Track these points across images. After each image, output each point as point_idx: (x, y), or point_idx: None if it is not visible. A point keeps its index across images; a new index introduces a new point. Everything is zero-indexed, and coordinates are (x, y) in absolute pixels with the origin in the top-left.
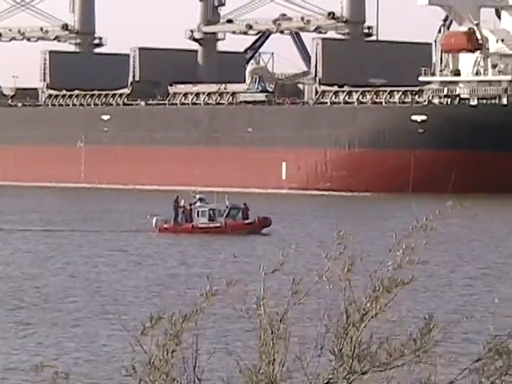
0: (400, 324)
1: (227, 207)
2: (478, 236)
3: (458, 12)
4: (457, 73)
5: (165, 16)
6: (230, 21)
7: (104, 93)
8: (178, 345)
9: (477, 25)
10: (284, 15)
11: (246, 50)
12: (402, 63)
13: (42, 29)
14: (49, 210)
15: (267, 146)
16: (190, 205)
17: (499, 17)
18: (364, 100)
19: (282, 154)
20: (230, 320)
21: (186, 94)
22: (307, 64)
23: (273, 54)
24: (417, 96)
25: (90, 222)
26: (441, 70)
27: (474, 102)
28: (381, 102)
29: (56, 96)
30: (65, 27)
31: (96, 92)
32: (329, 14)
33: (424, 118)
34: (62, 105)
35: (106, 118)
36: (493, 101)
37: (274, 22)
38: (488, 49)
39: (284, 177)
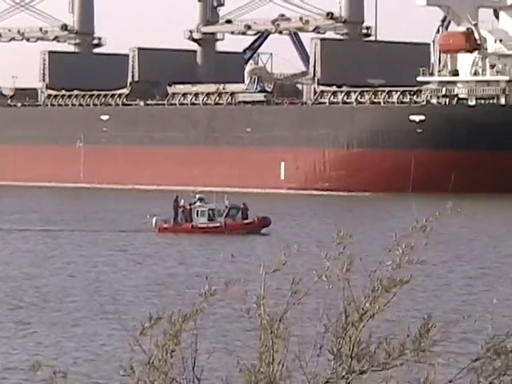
0: (399, 323)
1: (227, 207)
2: (476, 236)
3: (456, 12)
4: (455, 73)
5: (164, 16)
6: (228, 21)
7: (103, 93)
8: (178, 345)
9: (475, 25)
10: (283, 15)
11: (244, 51)
12: (400, 63)
13: (41, 29)
14: (48, 210)
15: (266, 145)
16: (190, 205)
17: (497, 17)
18: (362, 100)
19: (281, 154)
20: (230, 319)
21: (184, 94)
22: (306, 64)
23: (271, 54)
24: (415, 96)
25: (89, 222)
26: (439, 70)
27: (472, 102)
28: (379, 102)
29: (55, 96)
30: (64, 27)
31: (95, 92)
32: (327, 14)
33: (422, 117)
34: (61, 105)
35: (105, 118)
36: (491, 101)
37: (273, 22)
38: (486, 49)
39: (283, 177)
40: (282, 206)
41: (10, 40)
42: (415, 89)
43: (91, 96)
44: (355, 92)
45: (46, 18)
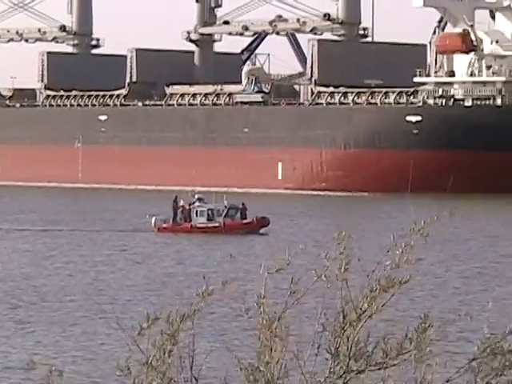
0: (396, 323)
1: (226, 207)
2: (473, 236)
3: (452, 13)
4: (451, 74)
5: (162, 17)
6: (226, 22)
7: (101, 93)
8: (175, 344)
9: (471, 26)
10: (280, 17)
11: (242, 51)
12: (397, 64)
13: (39, 30)
14: (46, 210)
15: (263, 146)
16: (189, 205)
17: (493, 18)
18: (359, 101)
19: (278, 155)
20: (228, 319)
21: (182, 95)
22: (303, 65)
23: (269, 55)
24: (412, 97)
25: (88, 222)
26: (435, 71)
27: (468, 103)
28: (376, 103)
29: (54, 96)
30: (62, 28)
31: (93, 92)
32: (324, 15)
33: (419, 118)
34: (59, 105)
35: (103, 118)
36: (487, 102)
37: (270, 23)
38: (482, 50)
39: (280, 177)
40: (280, 206)
41: (9, 41)
42: (412, 89)
43: (89, 96)
44: (352, 93)
45: (45, 19)
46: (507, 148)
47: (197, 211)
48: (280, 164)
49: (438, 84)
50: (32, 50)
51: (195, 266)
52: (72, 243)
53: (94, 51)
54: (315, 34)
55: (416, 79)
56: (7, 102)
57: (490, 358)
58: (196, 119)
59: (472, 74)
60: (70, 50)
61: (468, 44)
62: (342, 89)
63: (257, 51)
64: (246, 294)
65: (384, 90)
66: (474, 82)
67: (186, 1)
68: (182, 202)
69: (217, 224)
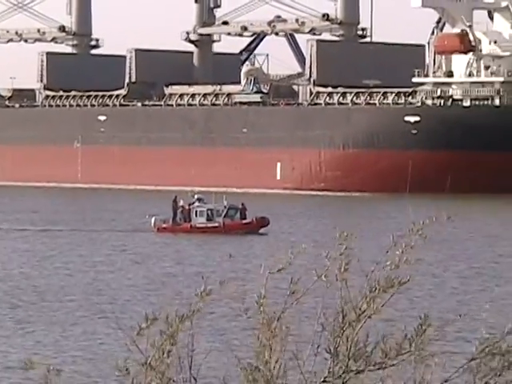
0: (395, 323)
1: (225, 207)
2: (471, 235)
3: (450, 14)
4: (450, 74)
5: (161, 18)
6: (225, 22)
7: (100, 94)
8: (174, 345)
9: (469, 27)
10: (279, 17)
11: (241, 52)
12: (395, 64)
13: (39, 30)
14: (46, 210)
15: (262, 146)
16: (189, 205)
17: (492, 19)
18: (358, 101)
19: (277, 155)
20: (227, 318)
21: (181, 95)
22: (302, 65)
23: (268, 55)
24: (410, 97)
25: (87, 222)
26: (434, 72)
27: (466, 103)
28: (374, 103)
29: (53, 97)
30: (62, 29)
31: (93, 93)
32: (323, 15)
33: (417, 118)
34: (58, 105)
35: (102, 118)
36: (485, 102)
37: (269, 23)
38: (481, 50)
39: (279, 177)
40: (279, 206)
41: (8, 41)
42: (410, 90)
43: (89, 97)
44: (351, 93)
45: (44, 20)
46: (505, 148)
47: (196, 211)
48: (279, 164)
49: (436, 84)
50: (31, 51)
51: (195, 265)
52: (72, 243)
53: (94, 51)
54: (314, 34)
55: (414, 79)
56: (6, 102)
57: (488, 359)
58: (195, 119)
59: (470, 75)
60: (69, 50)
61: (466, 44)
62: (340, 89)
63: (256, 51)
64: (245, 294)
65: (382, 90)
66: (473, 83)
67: (185, 1)
68: (181, 202)
69: (216, 224)
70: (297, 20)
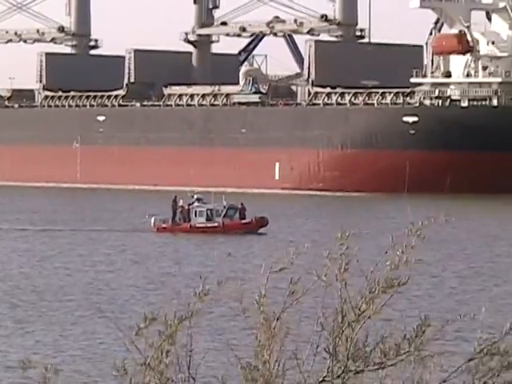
0: (394, 322)
1: (225, 207)
2: (470, 235)
3: (449, 15)
4: (448, 74)
5: (160, 18)
6: (224, 23)
7: (99, 94)
8: (173, 345)
9: (467, 27)
10: (277, 18)
11: (239, 52)
12: (393, 65)
13: (38, 31)
14: (46, 210)
15: (261, 146)
16: (188, 205)
17: (490, 19)
18: (356, 101)
19: (276, 155)
20: (226, 318)
21: (180, 96)
22: (300, 66)
23: (266, 56)
24: (408, 97)
25: (87, 222)
26: (432, 72)
27: (464, 104)
28: (373, 104)
29: (52, 97)
30: (61, 29)
31: (91, 93)
32: (321, 16)
33: (415, 119)
34: (57, 106)
35: (101, 118)
36: (483, 102)
37: (268, 24)
38: (479, 51)
39: (277, 177)
40: (277, 206)
41: (7, 42)
42: (408, 90)
43: (88, 97)
44: (349, 93)
45: (43, 20)
46: (503, 148)
47: (196, 211)
48: (277, 164)
49: (434, 85)
50: (30, 51)
51: (194, 265)
52: (71, 243)
53: (93, 52)
54: (312, 34)
55: (413, 80)
56: (6, 102)
57: (487, 359)
58: (194, 120)
59: (468, 75)
60: (68, 50)
61: (464, 45)
62: (339, 89)
63: (254, 52)
64: (244, 294)
65: (381, 90)
66: (471, 83)
67: (184, 2)
68: (181, 202)
69: (216, 224)
70: (295, 21)
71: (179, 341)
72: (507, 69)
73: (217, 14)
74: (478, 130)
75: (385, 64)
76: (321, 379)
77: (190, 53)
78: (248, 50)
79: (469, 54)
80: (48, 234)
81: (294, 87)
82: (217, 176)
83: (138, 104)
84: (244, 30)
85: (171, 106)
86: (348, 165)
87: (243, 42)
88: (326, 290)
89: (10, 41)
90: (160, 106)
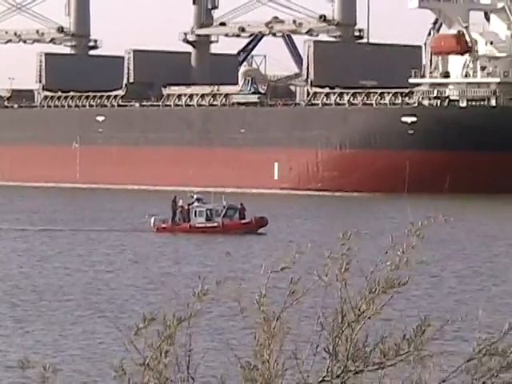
0: (394, 322)
1: (224, 207)
2: (468, 235)
3: (447, 15)
4: (446, 75)
5: (159, 19)
6: (223, 23)
7: (99, 94)
8: (172, 345)
9: (466, 28)
10: (276, 18)
11: (238, 53)
12: (392, 65)
13: (37, 31)
14: (45, 210)
15: (259, 146)
16: (188, 205)
17: (488, 20)
18: (355, 101)
19: (274, 155)
20: (225, 318)
21: (179, 96)
22: (299, 66)
23: (265, 56)
24: (407, 98)
25: (86, 222)
26: (430, 72)
27: (463, 104)
28: (371, 104)
29: (51, 97)
30: (60, 30)
31: (91, 93)
32: (320, 16)
33: (414, 119)
34: (57, 106)
35: (100, 119)
36: (482, 102)
37: (267, 24)
38: (477, 51)
39: (276, 177)
40: (276, 206)
41: (7, 42)
42: (407, 90)
43: (87, 97)
44: (348, 93)
45: (43, 21)
46: (502, 148)
47: (196, 211)
48: (276, 164)
49: (433, 85)
50: (30, 51)
51: (194, 265)
52: (71, 243)
53: (92, 52)
54: (311, 35)
55: (411, 80)
56: (5, 102)
57: (486, 359)
58: (193, 120)
59: (467, 75)
60: (67, 51)
61: (463, 45)
62: (337, 90)
63: (253, 52)
64: (243, 294)
65: (379, 90)
66: (469, 83)
67: (183, 2)
68: (180, 202)
69: (215, 224)
70: (294, 21)
71: (178, 341)
72: (505, 69)
73: (216, 14)
74: (476, 130)
75: (383, 64)
76: (320, 379)
77: (189, 53)
78: (247, 50)
79: (467, 55)
80: (48, 234)
81: (292, 87)
82: (216, 176)
83: (137, 104)
84: (243, 30)
85: (170, 106)
86: (347, 165)
87: (242, 42)
88: (326, 290)
89: (10, 41)
90: (159, 106)
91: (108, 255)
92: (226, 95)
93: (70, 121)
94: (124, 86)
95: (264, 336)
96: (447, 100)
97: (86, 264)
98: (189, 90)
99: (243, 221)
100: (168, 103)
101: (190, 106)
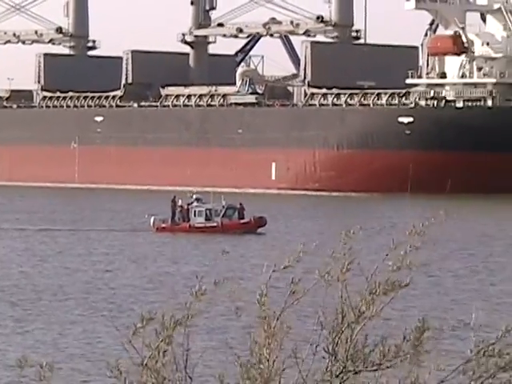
0: (393, 322)
1: (223, 207)
2: (466, 235)
3: (444, 16)
4: (443, 75)
5: (157, 19)
6: (220, 24)
7: (97, 95)
8: (170, 345)
9: (462, 28)
10: (274, 19)
11: (236, 53)
12: (389, 66)
13: (36, 32)
14: (44, 210)
15: (257, 147)
16: (188, 205)
17: (484, 21)
18: (352, 102)
19: (272, 155)
20: (224, 317)
21: (177, 96)
22: (296, 67)
23: (263, 56)
24: (404, 98)
25: (85, 222)
26: (427, 73)
27: (459, 104)
28: (368, 104)
29: (50, 98)
30: (59, 30)
31: (89, 94)
32: (317, 17)
33: (411, 119)
34: (56, 106)
35: (99, 119)
36: (478, 103)
37: (264, 25)
38: (473, 52)
39: (274, 177)
40: (274, 206)
41: (6, 42)
42: (404, 91)
43: (85, 98)
44: (345, 94)
45: (42, 21)
46: (498, 149)
47: (195, 211)
48: (274, 164)
49: (429, 85)
50: (29, 52)
51: (193, 265)
52: (70, 243)
53: (90, 53)
54: (308, 35)
55: (408, 81)
56: (4, 103)
57: (483, 360)
58: (191, 120)
59: (463, 76)
60: (66, 51)
61: (459, 46)
62: (334, 90)
63: (251, 53)
64: (242, 293)
65: (376, 91)
66: (465, 84)
67: (181, 3)
68: (180, 202)
69: (215, 224)
70: (291, 22)
71: (176, 340)
72: (502, 69)
73: (214, 15)
74: (473, 131)
75: (380, 65)
76: (319, 379)
77: (187, 54)
78: (245, 50)
79: (464, 55)
80: (47, 234)
81: (290, 88)
82: (213, 176)
83: (135, 104)
84: (241, 31)
85: (168, 106)
86: (344, 165)
87: (240, 42)
88: (326, 289)
89: (9, 42)
90: (157, 106)
91: (107, 255)
92: (224, 96)
93: (69, 121)
94: (122, 86)
95: (264, 335)
96: (444, 100)
97: (86, 264)
98: (187, 91)
99: (242, 221)
100: (166, 103)
101: (188, 106)
